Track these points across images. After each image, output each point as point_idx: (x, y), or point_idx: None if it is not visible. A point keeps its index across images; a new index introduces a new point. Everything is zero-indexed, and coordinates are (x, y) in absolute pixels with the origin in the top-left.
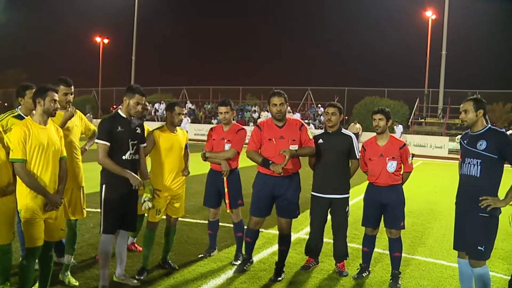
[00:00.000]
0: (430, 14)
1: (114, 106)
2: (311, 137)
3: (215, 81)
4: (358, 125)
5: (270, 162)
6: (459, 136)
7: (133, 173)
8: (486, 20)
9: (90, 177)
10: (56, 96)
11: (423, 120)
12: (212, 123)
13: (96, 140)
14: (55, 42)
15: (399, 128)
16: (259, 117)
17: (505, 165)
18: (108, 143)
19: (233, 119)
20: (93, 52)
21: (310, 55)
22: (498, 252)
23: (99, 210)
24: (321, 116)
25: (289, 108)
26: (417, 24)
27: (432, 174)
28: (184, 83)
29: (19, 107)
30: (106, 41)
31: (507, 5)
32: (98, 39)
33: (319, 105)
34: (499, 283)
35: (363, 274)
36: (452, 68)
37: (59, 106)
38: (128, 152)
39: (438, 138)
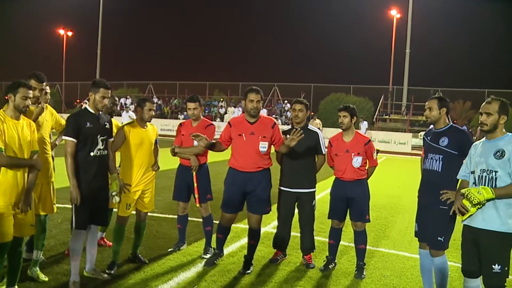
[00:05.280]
0: (395, 13)
1: (78, 101)
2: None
3: (182, 76)
4: (318, 121)
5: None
6: (422, 133)
7: (77, 188)
8: (449, 20)
9: (58, 172)
10: (29, 93)
11: (387, 116)
12: (179, 118)
13: (63, 137)
14: (16, 34)
15: (364, 124)
16: (225, 113)
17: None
18: (75, 140)
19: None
20: (57, 45)
21: (277, 51)
22: (452, 242)
23: (66, 205)
24: (288, 112)
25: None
26: (382, 22)
27: (396, 169)
28: (151, 78)
29: None
30: (70, 33)
31: (470, 5)
32: (61, 32)
33: (286, 101)
34: (455, 272)
35: (329, 266)
36: (416, 66)
37: (30, 104)
38: (97, 148)
39: (402, 134)
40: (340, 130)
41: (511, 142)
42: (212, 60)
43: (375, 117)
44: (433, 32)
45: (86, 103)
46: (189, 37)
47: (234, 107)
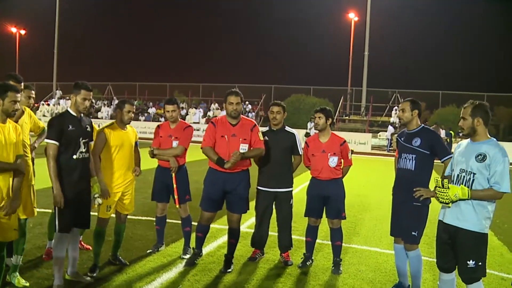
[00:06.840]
0: (352, 16)
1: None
2: (261, 137)
3: (142, 78)
4: None
5: (225, 162)
6: (381, 133)
7: (60, 191)
8: (406, 23)
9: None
10: (18, 97)
11: (347, 117)
12: (140, 120)
13: (46, 140)
14: None
15: None
16: (187, 114)
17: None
18: (57, 143)
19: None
20: (9, 44)
21: (238, 52)
22: (423, 238)
23: (39, 209)
24: (249, 113)
25: (217, 105)
26: (342, 25)
27: (358, 169)
28: (110, 79)
29: None
30: (23, 32)
31: (425, 9)
32: (13, 30)
33: (247, 102)
34: (426, 265)
35: (307, 263)
36: (374, 68)
37: (18, 107)
38: (79, 151)
39: (362, 134)
40: (301, 131)
41: (494, 148)
42: (172, 60)
43: (335, 118)
44: (391, 35)
45: (43, 104)
46: (148, 37)
47: (195, 108)
